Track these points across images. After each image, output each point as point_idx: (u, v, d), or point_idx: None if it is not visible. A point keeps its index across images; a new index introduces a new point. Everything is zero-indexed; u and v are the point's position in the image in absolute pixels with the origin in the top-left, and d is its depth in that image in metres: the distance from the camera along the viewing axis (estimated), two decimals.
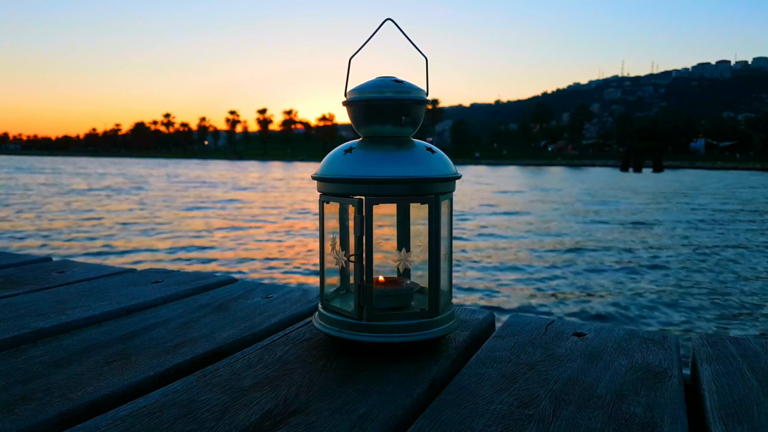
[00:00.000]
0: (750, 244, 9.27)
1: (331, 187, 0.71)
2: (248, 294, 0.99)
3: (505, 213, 13.46)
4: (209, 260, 7.28)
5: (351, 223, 0.70)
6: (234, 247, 8.27)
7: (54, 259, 1.29)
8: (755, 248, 8.80)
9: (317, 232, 0.76)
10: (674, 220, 12.46)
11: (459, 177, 0.72)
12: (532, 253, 8.03)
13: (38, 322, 0.81)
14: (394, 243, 0.80)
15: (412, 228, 0.80)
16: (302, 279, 6.30)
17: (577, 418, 0.54)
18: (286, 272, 6.63)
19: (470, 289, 5.76)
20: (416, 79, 0.74)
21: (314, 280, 5.82)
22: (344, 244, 0.76)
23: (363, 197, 0.67)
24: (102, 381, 0.62)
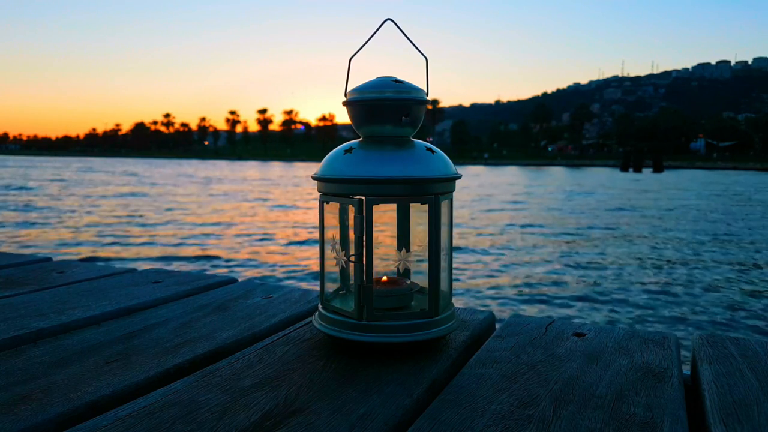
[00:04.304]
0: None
1: (331, 187, 0.71)
2: (248, 294, 0.99)
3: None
4: None
5: (351, 223, 0.70)
6: None
7: (56, 259, 1.29)
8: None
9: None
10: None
11: (459, 177, 0.72)
12: None
13: (38, 322, 0.81)
14: (394, 243, 0.80)
15: (411, 228, 0.80)
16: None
17: (577, 418, 0.54)
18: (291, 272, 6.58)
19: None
20: (416, 79, 0.74)
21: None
22: (344, 244, 0.76)
23: (363, 197, 0.67)
24: (102, 381, 0.62)
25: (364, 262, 0.68)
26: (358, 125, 0.73)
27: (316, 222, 0.75)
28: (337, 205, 0.74)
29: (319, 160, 0.75)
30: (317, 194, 0.73)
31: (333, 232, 0.76)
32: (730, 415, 0.55)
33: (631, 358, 0.70)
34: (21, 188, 19.84)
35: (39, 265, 1.22)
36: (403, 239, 0.79)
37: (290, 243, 8.77)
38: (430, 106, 0.77)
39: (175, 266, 6.71)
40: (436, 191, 0.69)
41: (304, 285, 5.95)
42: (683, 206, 15.62)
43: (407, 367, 0.66)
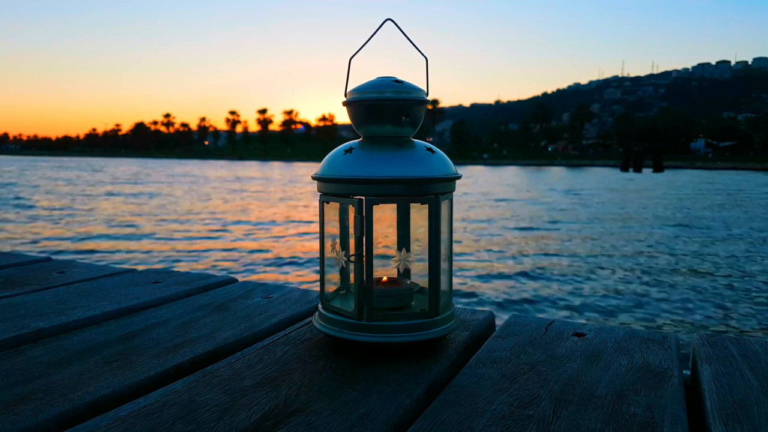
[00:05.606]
0: None
1: (331, 188, 0.71)
2: (248, 294, 0.99)
3: None
4: None
5: (351, 223, 0.70)
6: None
7: (55, 258, 1.29)
8: None
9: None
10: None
11: (459, 177, 0.72)
12: None
13: (38, 322, 0.81)
14: (394, 243, 0.80)
15: (411, 228, 0.80)
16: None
17: (577, 419, 0.54)
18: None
19: None
20: (416, 79, 0.74)
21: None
22: (344, 244, 0.76)
23: (363, 197, 0.67)
24: (102, 381, 0.62)
25: (364, 262, 0.68)
26: (358, 125, 0.73)
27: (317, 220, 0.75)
28: (337, 205, 0.74)
29: (319, 160, 0.75)
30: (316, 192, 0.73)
31: (333, 232, 0.76)
32: (730, 415, 0.55)
33: (631, 358, 0.70)
34: (19, 187, 19.89)
35: (39, 265, 1.22)
36: (403, 239, 0.80)
37: (291, 242, 8.77)
38: (430, 106, 0.77)
39: (175, 266, 6.72)
40: (436, 191, 0.69)
41: (304, 284, 5.96)
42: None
43: (407, 367, 0.66)
